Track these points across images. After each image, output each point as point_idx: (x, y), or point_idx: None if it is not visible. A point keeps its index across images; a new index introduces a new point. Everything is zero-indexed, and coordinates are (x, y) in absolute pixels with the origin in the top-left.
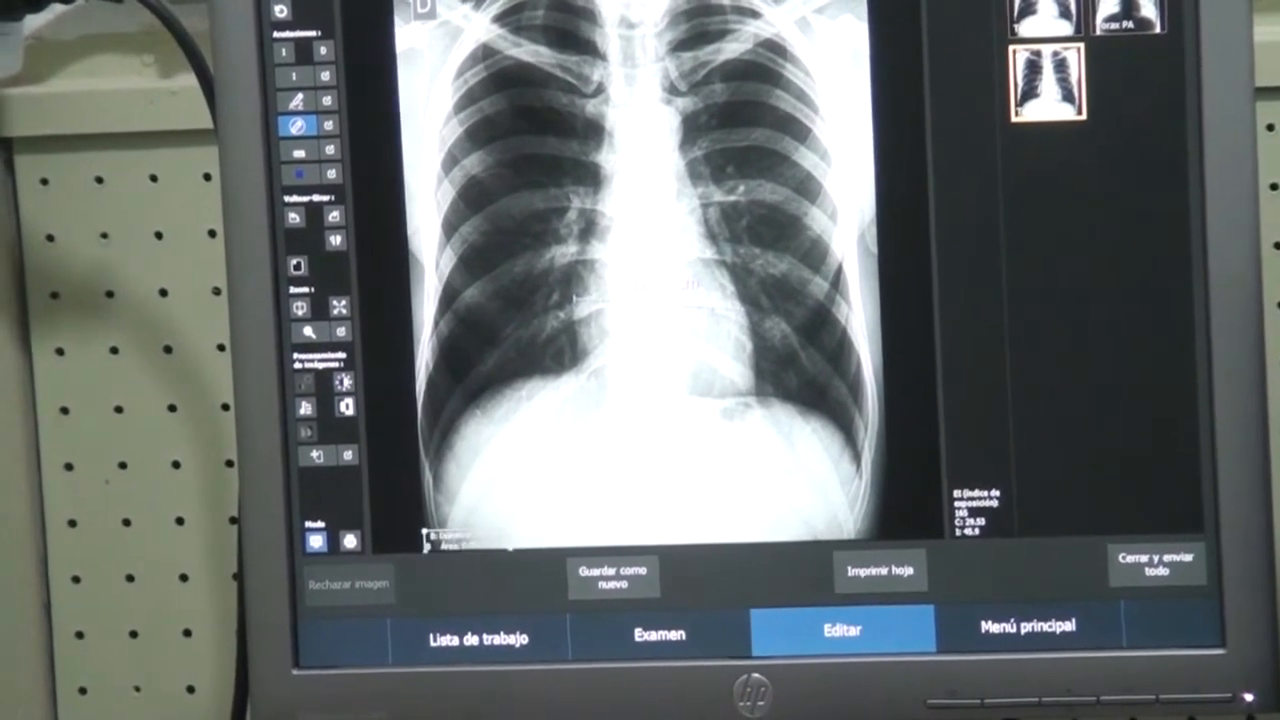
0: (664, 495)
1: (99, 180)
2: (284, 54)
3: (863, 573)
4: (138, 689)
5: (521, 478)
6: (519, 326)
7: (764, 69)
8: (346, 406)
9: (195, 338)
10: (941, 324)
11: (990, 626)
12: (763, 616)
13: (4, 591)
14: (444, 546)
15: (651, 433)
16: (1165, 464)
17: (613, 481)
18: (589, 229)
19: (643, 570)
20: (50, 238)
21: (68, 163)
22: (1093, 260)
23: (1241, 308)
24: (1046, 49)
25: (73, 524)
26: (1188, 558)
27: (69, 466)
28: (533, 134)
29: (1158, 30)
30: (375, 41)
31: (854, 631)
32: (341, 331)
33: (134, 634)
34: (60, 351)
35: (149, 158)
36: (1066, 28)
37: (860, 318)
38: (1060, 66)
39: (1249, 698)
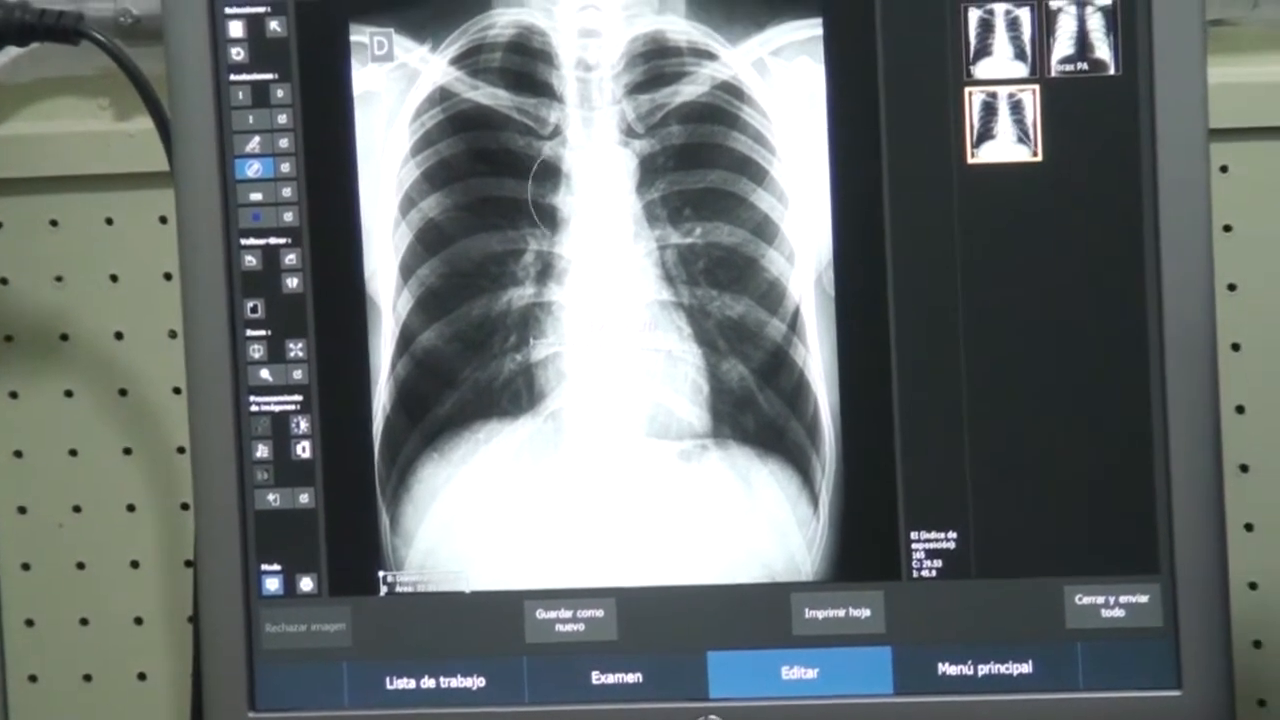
0: (622, 537)
1: (54, 223)
2: (240, 97)
3: (820, 614)
4: None
5: (479, 520)
6: (476, 369)
7: (721, 111)
8: (303, 449)
9: (151, 381)
10: (899, 366)
11: (947, 668)
12: (720, 659)
13: None
14: (401, 589)
15: (609, 475)
16: (1121, 505)
17: (570, 524)
18: (546, 271)
19: (600, 613)
20: (4, 280)
21: (22, 205)
22: (1049, 301)
23: (1196, 348)
24: (1002, 91)
25: (26, 567)
26: (1143, 599)
27: (22, 510)
28: (490, 176)
29: (1112, 72)
30: (332, 84)
31: (811, 674)
32: (298, 374)
33: (88, 677)
34: (14, 395)
35: (104, 200)
36: (1022, 69)
37: (818, 360)
38: (1016, 108)
39: None
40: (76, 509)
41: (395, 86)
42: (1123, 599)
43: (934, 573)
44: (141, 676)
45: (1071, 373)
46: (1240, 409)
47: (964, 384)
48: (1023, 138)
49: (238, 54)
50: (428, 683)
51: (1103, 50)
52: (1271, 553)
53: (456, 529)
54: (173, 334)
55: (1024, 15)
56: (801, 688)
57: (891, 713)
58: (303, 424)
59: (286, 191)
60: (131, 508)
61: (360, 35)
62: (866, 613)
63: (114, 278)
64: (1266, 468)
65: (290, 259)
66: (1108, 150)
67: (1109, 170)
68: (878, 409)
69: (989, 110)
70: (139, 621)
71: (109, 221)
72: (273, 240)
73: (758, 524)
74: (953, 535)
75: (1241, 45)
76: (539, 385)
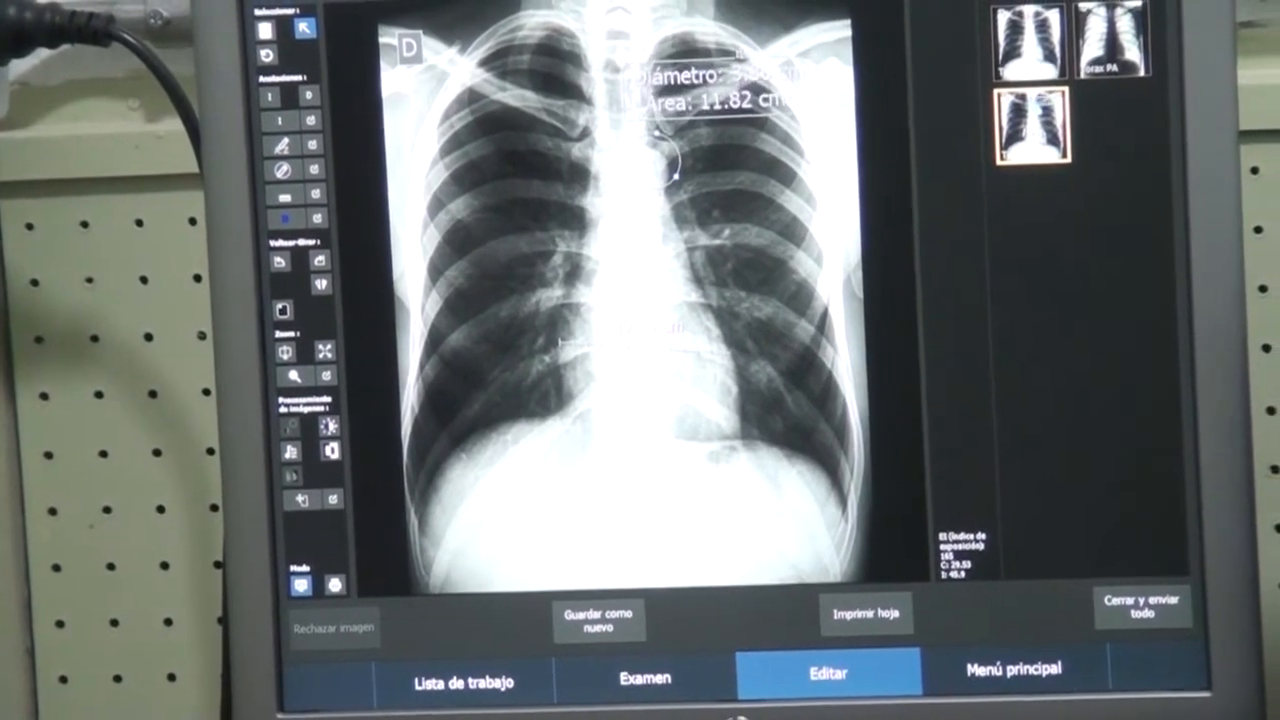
0: (650, 538)
1: (84, 225)
2: (270, 99)
3: (849, 615)
4: None
5: (507, 521)
6: (504, 370)
7: (749, 113)
8: (332, 450)
9: (180, 382)
10: (927, 367)
11: (976, 669)
12: (749, 659)
13: None
14: (429, 590)
15: (637, 476)
16: (1150, 506)
17: (598, 525)
18: (574, 273)
19: (628, 613)
20: (35, 282)
21: (53, 207)
22: (1078, 303)
23: (1226, 350)
24: (1031, 92)
25: (56, 568)
26: (1173, 600)
27: (53, 511)
28: (518, 178)
29: (1142, 73)
30: (361, 86)
31: (840, 674)
32: (327, 376)
33: (118, 678)
34: (45, 396)
35: (134, 202)
36: (1051, 71)
37: (846, 361)
38: (1045, 110)
39: None
40: (106, 510)
41: (424, 88)
42: (1152, 600)
43: (963, 574)
44: (171, 677)
45: (1101, 374)
46: (1271, 410)
47: (993, 385)
48: (1052, 139)
49: (267, 55)
50: (456, 684)
51: (1132, 52)
52: None
53: (485, 530)
54: (202, 335)
55: (1053, 17)
56: (830, 688)
57: (920, 714)
58: (331, 425)
59: (315, 193)
60: (161, 509)
61: (389, 37)
62: (895, 614)
63: (144, 279)
64: None
65: (319, 260)
66: (1137, 152)
67: (1139, 172)
68: (906, 410)
69: (1018, 112)
70: (169, 622)
71: (139, 223)
72: (301, 242)
73: (786, 525)
74: (982, 536)
75: (1272, 47)
76: (567, 387)
